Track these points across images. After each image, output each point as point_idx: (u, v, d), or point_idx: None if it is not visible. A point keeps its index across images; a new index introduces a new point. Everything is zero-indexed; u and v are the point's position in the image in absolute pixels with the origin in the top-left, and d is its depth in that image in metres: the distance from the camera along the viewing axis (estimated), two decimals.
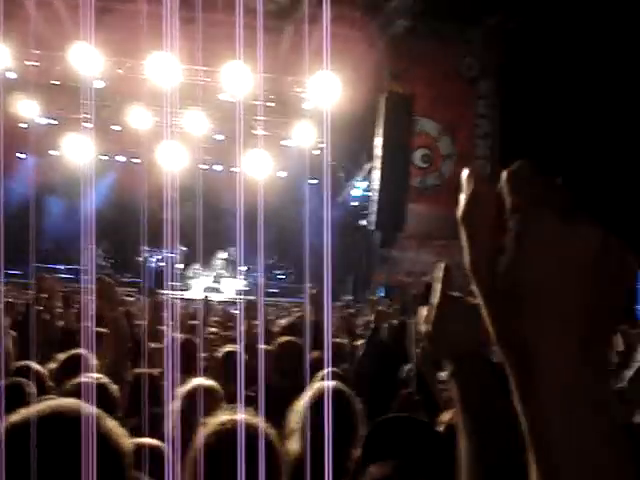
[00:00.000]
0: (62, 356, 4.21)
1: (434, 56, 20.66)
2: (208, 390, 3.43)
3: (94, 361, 4.11)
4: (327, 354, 4.87)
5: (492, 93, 21.75)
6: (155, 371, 4.41)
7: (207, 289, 20.02)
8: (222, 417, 2.10)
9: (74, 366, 3.96)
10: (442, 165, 22.10)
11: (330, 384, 3.27)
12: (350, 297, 21.20)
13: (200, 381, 3.53)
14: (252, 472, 1.89)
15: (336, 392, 3.20)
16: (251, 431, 2.01)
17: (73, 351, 4.26)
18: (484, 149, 22.06)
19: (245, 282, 20.80)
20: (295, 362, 4.88)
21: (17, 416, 1.34)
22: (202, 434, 2.04)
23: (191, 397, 3.34)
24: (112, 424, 1.38)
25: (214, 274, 21.34)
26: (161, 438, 2.93)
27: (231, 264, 21.40)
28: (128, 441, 1.39)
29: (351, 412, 3.18)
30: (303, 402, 3.20)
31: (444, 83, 20.89)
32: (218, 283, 21.02)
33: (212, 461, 1.92)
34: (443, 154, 22.12)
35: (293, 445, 3.11)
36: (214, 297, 18.93)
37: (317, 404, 3.13)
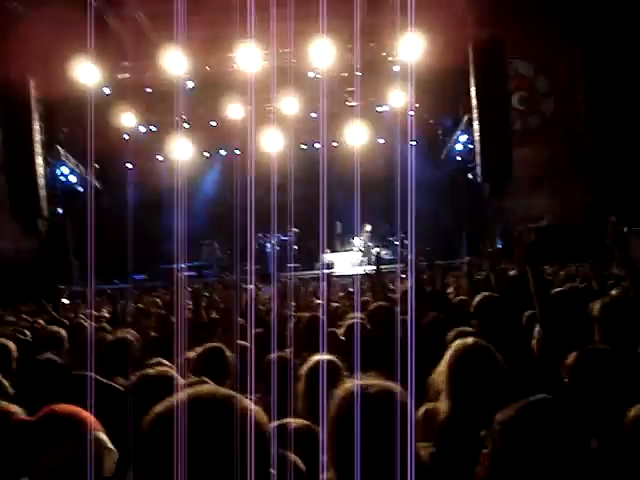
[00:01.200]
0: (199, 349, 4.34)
1: None
2: (329, 364, 3.47)
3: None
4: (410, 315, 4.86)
5: (585, 25, 20.86)
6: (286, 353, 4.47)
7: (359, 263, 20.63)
8: (356, 382, 2.11)
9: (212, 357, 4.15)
10: (542, 104, 21.44)
11: (469, 340, 3.27)
12: (467, 257, 20.94)
13: (319, 357, 3.55)
14: (387, 434, 1.91)
15: (479, 348, 3.20)
16: (382, 395, 2.03)
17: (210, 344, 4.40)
18: (582, 82, 21.22)
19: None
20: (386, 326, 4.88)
21: (161, 406, 1.39)
22: (337, 400, 2.06)
23: (313, 374, 3.39)
24: (249, 402, 1.42)
25: (362, 247, 21.69)
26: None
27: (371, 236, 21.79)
28: (266, 418, 1.42)
29: (496, 365, 3.16)
30: (444, 361, 3.21)
31: (533, 21, 20.17)
32: (367, 256, 21.32)
33: (349, 426, 1.94)
34: (541, 93, 21.44)
35: (442, 405, 3.13)
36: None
37: (459, 364, 3.14)
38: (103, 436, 2.23)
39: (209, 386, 1.48)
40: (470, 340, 3.27)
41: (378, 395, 2.01)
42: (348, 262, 21.13)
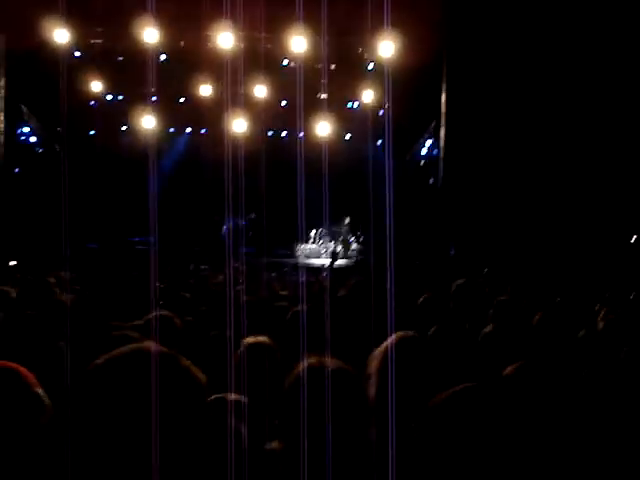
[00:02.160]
0: None
1: None
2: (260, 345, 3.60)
3: None
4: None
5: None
6: None
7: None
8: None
9: None
10: None
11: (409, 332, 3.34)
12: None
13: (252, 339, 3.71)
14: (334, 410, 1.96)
15: (413, 339, 3.27)
16: (339, 371, 2.07)
17: None
18: None
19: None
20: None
21: (100, 359, 1.41)
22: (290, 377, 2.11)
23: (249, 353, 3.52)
24: (188, 362, 1.44)
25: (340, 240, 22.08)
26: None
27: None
28: (203, 375, 1.44)
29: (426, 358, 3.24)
30: (379, 349, 3.28)
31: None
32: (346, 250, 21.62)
33: (299, 398, 1.98)
34: None
35: (370, 390, 3.20)
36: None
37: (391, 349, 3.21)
38: (40, 391, 2.12)
39: (152, 343, 1.49)
40: (409, 332, 3.33)
41: (336, 371, 2.05)
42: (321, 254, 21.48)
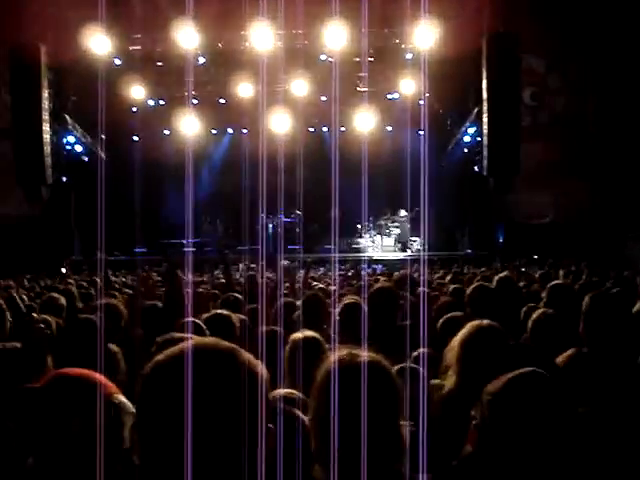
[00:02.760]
0: None
1: None
2: (311, 340, 3.60)
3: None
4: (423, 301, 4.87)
5: (599, 24, 20.74)
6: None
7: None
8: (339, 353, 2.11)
9: None
10: (552, 102, 21.39)
11: (484, 321, 3.32)
12: (469, 250, 21.05)
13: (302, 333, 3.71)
14: (369, 403, 1.90)
15: (492, 329, 3.25)
16: (365, 364, 2.02)
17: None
18: (595, 81, 21.13)
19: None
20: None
21: (162, 356, 1.38)
22: (322, 370, 2.06)
23: (295, 349, 3.54)
24: (248, 355, 1.42)
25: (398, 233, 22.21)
26: None
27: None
28: (264, 369, 1.42)
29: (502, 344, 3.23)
30: (457, 339, 3.29)
31: (547, 16, 20.05)
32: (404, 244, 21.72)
33: (331, 396, 1.94)
34: (553, 90, 21.38)
35: (448, 380, 3.20)
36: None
37: (471, 340, 3.19)
38: (123, 399, 2.03)
39: (212, 338, 1.46)
40: (485, 321, 3.32)
41: (365, 364, 2.00)
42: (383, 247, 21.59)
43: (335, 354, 2.09)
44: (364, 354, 2.06)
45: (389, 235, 22.36)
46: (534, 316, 4.20)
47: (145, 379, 1.36)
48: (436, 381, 3.36)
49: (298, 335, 3.70)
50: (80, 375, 2.00)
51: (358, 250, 21.24)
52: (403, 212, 21.85)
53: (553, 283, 5.71)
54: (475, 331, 3.25)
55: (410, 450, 1.99)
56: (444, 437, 2.53)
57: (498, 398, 1.87)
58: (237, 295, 6.19)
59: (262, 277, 6.69)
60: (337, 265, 16.23)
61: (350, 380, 1.90)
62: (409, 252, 21.04)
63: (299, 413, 2.25)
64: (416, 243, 21.79)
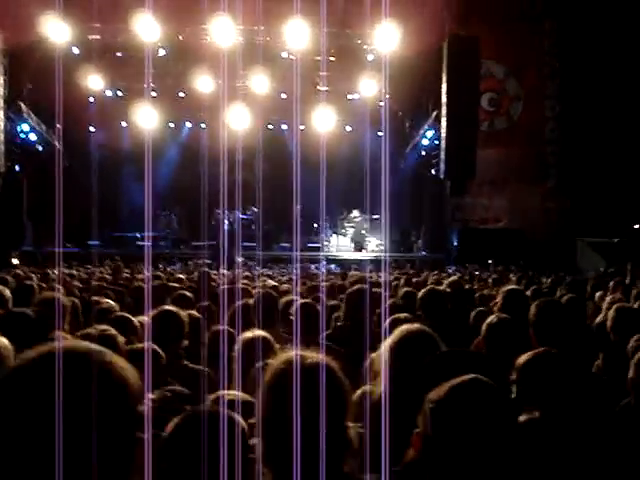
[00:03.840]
0: None
1: None
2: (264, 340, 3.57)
3: None
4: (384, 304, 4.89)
5: (557, 31, 21.04)
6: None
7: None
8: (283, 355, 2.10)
9: None
10: (510, 108, 21.65)
11: (414, 326, 3.30)
12: (422, 252, 21.20)
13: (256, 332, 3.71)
14: (315, 405, 1.90)
15: (423, 333, 3.23)
16: (312, 365, 2.01)
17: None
18: (552, 88, 21.45)
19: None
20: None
21: (32, 353, 1.35)
22: (268, 371, 2.04)
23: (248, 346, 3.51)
24: (118, 359, 1.39)
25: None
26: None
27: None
28: (134, 373, 1.39)
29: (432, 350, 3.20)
30: (385, 345, 3.24)
31: (508, 24, 20.30)
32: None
33: (277, 397, 1.94)
34: (511, 96, 21.64)
35: (378, 387, 3.15)
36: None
37: (400, 347, 3.17)
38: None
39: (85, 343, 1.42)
40: (415, 326, 3.30)
41: (312, 366, 1.99)
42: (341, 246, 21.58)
43: (283, 355, 2.08)
44: (312, 355, 2.05)
45: (345, 235, 22.43)
46: (489, 320, 4.22)
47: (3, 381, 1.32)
48: (367, 387, 3.30)
49: (248, 335, 3.68)
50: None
51: (315, 249, 21.24)
52: (356, 212, 21.90)
53: (508, 288, 5.76)
54: (404, 336, 3.21)
55: (359, 451, 1.99)
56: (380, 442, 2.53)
57: (440, 406, 1.87)
58: (187, 293, 6.15)
59: (220, 274, 6.64)
60: (296, 264, 16.26)
61: (298, 381, 1.89)
62: (364, 252, 21.10)
63: (238, 417, 2.22)
64: (371, 243, 21.86)
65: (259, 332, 3.73)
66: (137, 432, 1.36)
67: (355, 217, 22.16)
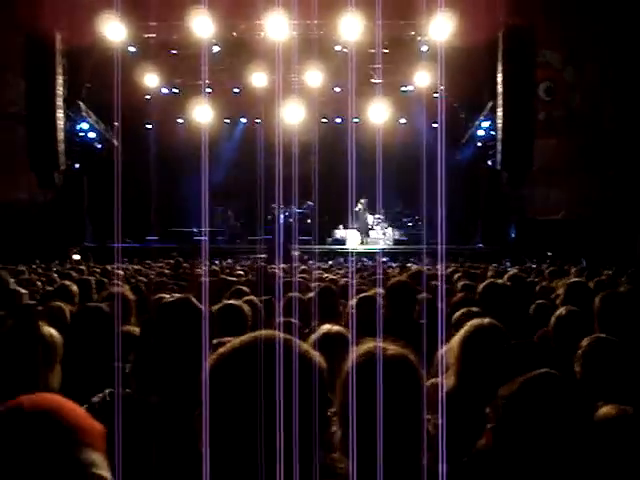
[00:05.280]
0: None
1: None
2: (337, 335, 3.49)
3: None
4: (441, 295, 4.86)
5: (616, 17, 20.56)
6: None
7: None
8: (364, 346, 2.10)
9: None
10: (568, 96, 21.25)
11: (485, 320, 3.28)
12: (480, 244, 20.99)
13: (328, 327, 3.56)
14: (397, 396, 1.91)
15: (493, 328, 3.22)
16: (394, 357, 2.01)
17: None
18: (611, 76, 20.98)
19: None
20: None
21: (224, 348, 1.44)
22: (349, 361, 2.05)
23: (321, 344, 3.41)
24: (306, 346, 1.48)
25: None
26: None
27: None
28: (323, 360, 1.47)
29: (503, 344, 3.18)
30: (456, 338, 3.23)
31: (565, 10, 19.91)
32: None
33: (360, 387, 1.95)
34: (568, 85, 21.24)
35: (449, 380, 3.15)
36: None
37: (471, 340, 3.16)
38: (93, 455, 1.26)
39: (269, 331, 1.51)
40: (485, 320, 3.29)
41: (394, 358, 2.00)
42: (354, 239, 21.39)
43: (363, 346, 2.09)
44: (391, 347, 2.06)
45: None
46: (557, 313, 4.17)
47: (213, 370, 1.41)
48: (433, 380, 3.28)
49: (328, 328, 3.58)
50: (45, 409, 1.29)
51: (371, 242, 21.27)
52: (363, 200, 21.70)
53: (571, 280, 5.69)
54: (475, 330, 3.20)
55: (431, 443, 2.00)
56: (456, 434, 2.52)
57: (513, 401, 1.86)
58: (244, 287, 6.18)
59: (277, 268, 6.67)
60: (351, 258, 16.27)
61: (378, 373, 1.90)
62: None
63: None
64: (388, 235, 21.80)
65: (335, 327, 3.63)
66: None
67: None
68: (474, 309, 4.14)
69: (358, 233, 21.49)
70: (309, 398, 1.36)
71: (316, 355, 1.46)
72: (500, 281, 6.22)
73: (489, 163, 20.08)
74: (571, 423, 1.83)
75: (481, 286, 5.49)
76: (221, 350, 1.44)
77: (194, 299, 2.66)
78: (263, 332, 1.46)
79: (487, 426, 1.95)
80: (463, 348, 3.15)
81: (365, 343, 2.09)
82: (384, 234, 21.98)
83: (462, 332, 3.22)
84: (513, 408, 1.86)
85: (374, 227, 22.00)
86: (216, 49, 19.83)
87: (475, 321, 3.26)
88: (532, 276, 10.11)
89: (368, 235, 21.73)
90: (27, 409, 1.24)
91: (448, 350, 3.25)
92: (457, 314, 4.07)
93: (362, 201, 21.48)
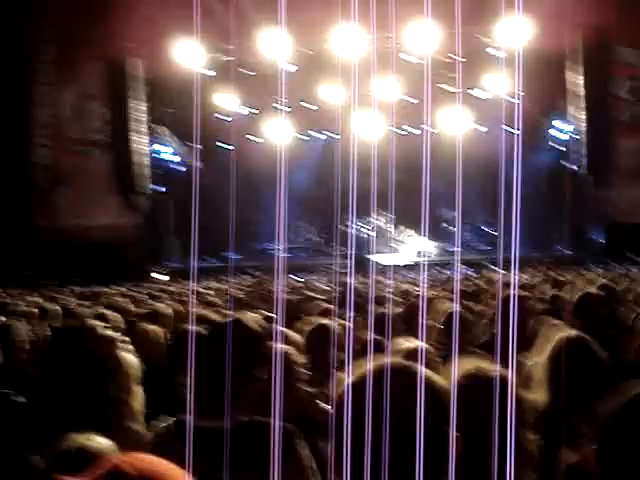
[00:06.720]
0: None
1: None
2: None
3: None
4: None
5: None
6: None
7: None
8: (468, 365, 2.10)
9: None
10: None
11: (572, 333, 3.22)
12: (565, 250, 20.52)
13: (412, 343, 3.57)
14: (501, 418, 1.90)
15: (582, 341, 3.15)
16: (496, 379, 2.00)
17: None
18: None
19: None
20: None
21: (353, 376, 1.57)
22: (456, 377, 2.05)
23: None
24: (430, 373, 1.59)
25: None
26: None
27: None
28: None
29: (596, 361, 3.11)
30: (546, 353, 3.18)
31: None
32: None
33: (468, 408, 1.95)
34: None
35: (538, 395, 3.09)
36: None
37: (560, 355, 3.10)
38: None
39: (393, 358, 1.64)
40: (574, 333, 3.23)
41: (496, 379, 1.99)
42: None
43: (463, 366, 2.11)
44: (492, 367, 2.06)
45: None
46: None
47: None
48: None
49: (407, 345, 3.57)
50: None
51: (450, 253, 21.04)
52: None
53: None
54: (565, 345, 3.13)
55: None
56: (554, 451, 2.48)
57: (619, 421, 1.80)
58: (330, 305, 6.22)
59: (360, 283, 6.69)
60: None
61: (480, 395, 1.92)
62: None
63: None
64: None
65: (419, 342, 3.63)
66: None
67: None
68: (560, 322, 4.07)
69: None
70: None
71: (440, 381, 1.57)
72: (594, 291, 6.05)
73: (573, 167, 19.66)
74: None
75: (576, 298, 5.33)
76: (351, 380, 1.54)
77: (247, 319, 2.74)
78: (389, 360, 1.57)
79: (581, 442, 1.91)
80: (554, 363, 3.09)
81: (464, 363, 2.10)
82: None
83: (551, 346, 3.15)
84: (620, 429, 1.79)
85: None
86: (292, 68, 20.05)
87: (563, 334, 3.20)
88: (622, 283, 9.82)
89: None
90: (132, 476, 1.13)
91: (537, 365, 3.20)
92: (545, 327, 4.00)
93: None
